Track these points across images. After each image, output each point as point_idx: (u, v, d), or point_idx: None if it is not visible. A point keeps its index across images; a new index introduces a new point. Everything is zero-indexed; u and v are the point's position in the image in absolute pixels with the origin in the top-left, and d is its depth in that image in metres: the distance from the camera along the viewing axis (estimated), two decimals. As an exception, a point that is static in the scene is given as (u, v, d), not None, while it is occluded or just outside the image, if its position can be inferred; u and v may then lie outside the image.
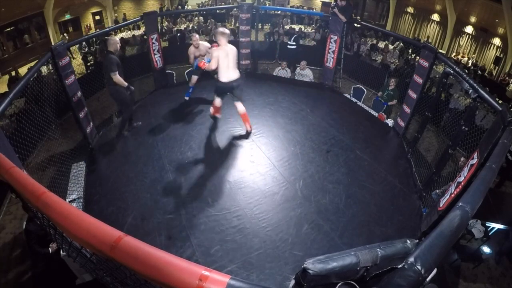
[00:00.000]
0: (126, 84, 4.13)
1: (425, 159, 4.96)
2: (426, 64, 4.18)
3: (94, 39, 9.16)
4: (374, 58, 8.53)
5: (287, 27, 10.83)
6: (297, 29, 10.48)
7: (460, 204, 1.42)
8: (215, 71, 3.96)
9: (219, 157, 4.05)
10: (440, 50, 10.22)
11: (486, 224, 3.94)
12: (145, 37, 5.61)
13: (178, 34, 9.78)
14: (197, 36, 5.20)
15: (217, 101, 4.37)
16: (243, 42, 6.47)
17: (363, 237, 3.11)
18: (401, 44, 9.44)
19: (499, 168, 1.91)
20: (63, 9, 12.00)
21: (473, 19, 11.34)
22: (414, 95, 4.49)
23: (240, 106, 4.29)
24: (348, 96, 6.08)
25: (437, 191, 3.61)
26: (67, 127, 4.32)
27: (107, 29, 5.52)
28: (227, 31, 3.92)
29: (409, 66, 6.85)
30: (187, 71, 6.52)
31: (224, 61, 3.82)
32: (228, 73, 3.91)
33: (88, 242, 1.07)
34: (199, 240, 2.97)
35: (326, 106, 5.45)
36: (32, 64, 5.39)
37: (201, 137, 4.39)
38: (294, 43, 8.01)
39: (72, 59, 4.26)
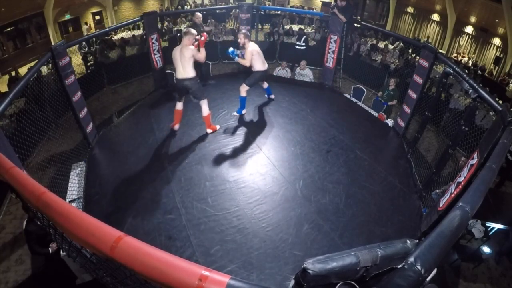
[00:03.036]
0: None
1: (425, 159, 4.97)
2: (426, 64, 4.18)
3: (94, 39, 9.15)
4: (374, 58, 8.53)
5: (287, 27, 10.83)
6: (297, 29, 10.49)
7: (460, 204, 1.42)
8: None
9: (219, 157, 4.04)
10: (440, 50, 10.23)
11: (486, 224, 3.94)
12: (144, 37, 5.63)
13: (178, 34, 9.78)
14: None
15: (178, 104, 4.33)
16: (243, 42, 6.47)
17: (363, 237, 3.11)
18: (401, 44, 9.44)
19: (499, 168, 1.91)
20: (63, 9, 12.00)
21: (473, 19, 11.34)
22: (414, 95, 4.49)
23: (203, 107, 4.27)
24: (348, 96, 6.08)
25: (437, 191, 3.61)
26: (67, 127, 4.32)
27: (107, 29, 5.52)
28: (186, 30, 3.94)
29: (409, 66, 6.86)
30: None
31: (176, 58, 3.95)
32: (178, 70, 4.00)
33: (88, 242, 1.07)
34: (199, 240, 2.97)
35: (326, 106, 5.45)
36: (32, 64, 5.39)
37: (201, 137, 4.39)
38: (304, 44, 8.03)
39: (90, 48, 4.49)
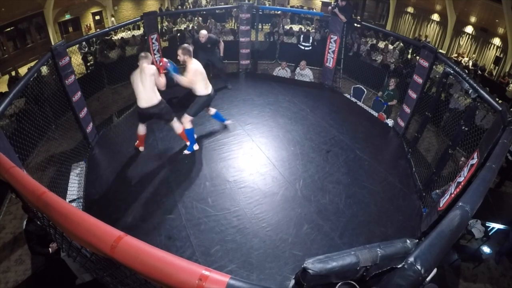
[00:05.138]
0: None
1: (425, 159, 4.96)
2: (426, 64, 4.18)
3: (94, 39, 9.15)
4: (374, 58, 8.53)
5: (287, 27, 10.83)
6: (297, 29, 10.49)
7: (460, 204, 1.42)
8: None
9: (219, 157, 4.04)
10: (440, 50, 10.22)
11: (486, 224, 3.94)
12: (145, 37, 5.63)
13: (178, 34, 9.78)
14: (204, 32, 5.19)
15: (140, 128, 3.92)
16: (243, 42, 6.48)
17: (363, 237, 3.11)
18: (401, 44, 9.44)
19: (499, 168, 1.91)
20: (63, 9, 12.00)
21: (473, 19, 11.33)
22: (414, 95, 4.49)
23: (175, 125, 3.87)
24: (348, 96, 6.08)
25: (437, 191, 3.61)
26: (67, 127, 4.32)
27: (107, 29, 5.52)
28: (144, 54, 3.49)
29: (409, 66, 6.86)
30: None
31: (136, 84, 3.47)
32: (140, 98, 3.51)
33: (88, 242, 1.07)
34: (199, 240, 2.97)
35: (326, 106, 5.45)
36: (32, 64, 5.39)
37: (201, 137, 4.39)
38: (309, 44, 8.05)
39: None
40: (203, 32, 5.24)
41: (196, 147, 4.15)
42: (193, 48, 5.26)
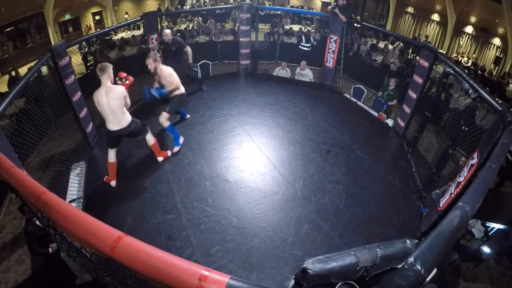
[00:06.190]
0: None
1: (425, 159, 4.95)
2: (426, 64, 4.18)
3: (94, 39, 9.15)
4: (374, 58, 8.52)
5: (287, 27, 10.83)
6: (297, 29, 10.49)
7: (460, 204, 1.42)
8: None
9: (219, 157, 4.04)
10: (440, 50, 10.21)
11: (486, 224, 3.94)
12: (145, 37, 5.62)
13: (178, 34, 9.77)
14: (168, 31, 4.98)
15: (111, 154, 3.51)
16: (243, 42, 6.48)
17: (363, 237, 3.11)
18: (401, 44, 9.43)
19: (499, 168, 1.91)
20: (63, 9, 12.00)
21: (473, 19, 11.33)
22: (414, 95, 4.49)
23: (147, 138, 3.70)
24: (348, 96, 6.08)
25: (437, 191, 3.61)
26: (67, 127, 4.32)
27: (107, 29, 5.53)
28: (104, 65, 3.14)
29: (409, 66, 6.85)
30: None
31: (102, 105, 3.11)
32: (109, 120, 3.21)
33: (88, 242, 1.07)
34: (199, 240, 2.97)
35: (326, 106, 5.45)
36: (32, 64, 5.39)
37: (201, 137, 4.39)
38: (309, 45, 8.05)
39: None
40: (167, 31, 5.01)
41: (181, 139, 4.20)
42: (162, 47, 5.18)
